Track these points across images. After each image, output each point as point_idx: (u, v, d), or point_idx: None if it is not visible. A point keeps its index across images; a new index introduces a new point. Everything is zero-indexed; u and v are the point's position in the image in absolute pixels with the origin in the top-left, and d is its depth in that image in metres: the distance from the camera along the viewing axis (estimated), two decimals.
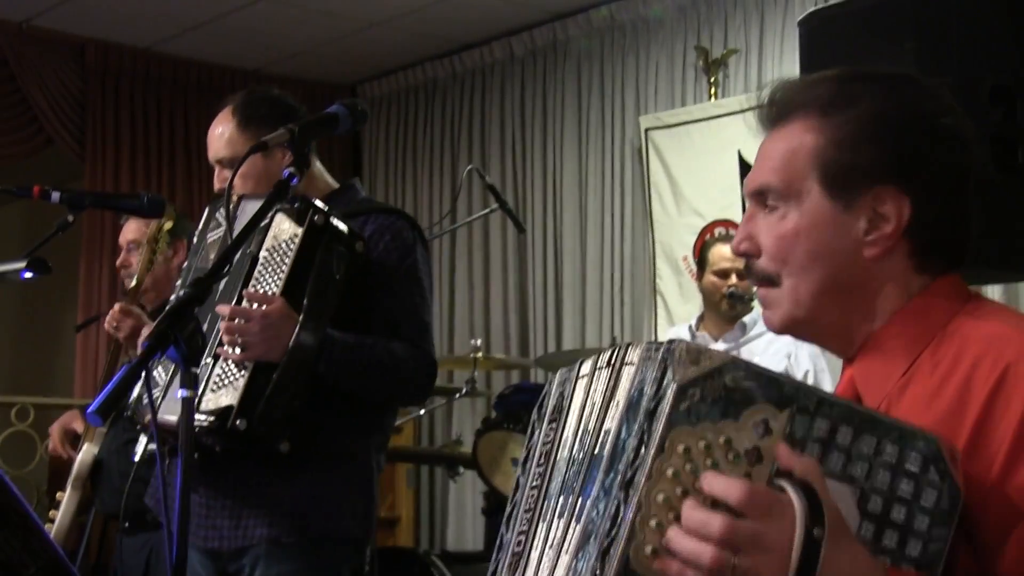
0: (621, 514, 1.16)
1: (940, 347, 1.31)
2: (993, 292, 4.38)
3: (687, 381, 1.15)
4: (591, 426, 1.29)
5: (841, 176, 1.35)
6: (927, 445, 1.17)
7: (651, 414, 1.17)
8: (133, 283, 3.46)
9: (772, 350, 4.54)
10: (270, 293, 2.52)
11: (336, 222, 2.56)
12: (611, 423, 1.25)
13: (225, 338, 2.48)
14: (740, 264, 4.53)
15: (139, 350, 2.29)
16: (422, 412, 5.41)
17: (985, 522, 1.20)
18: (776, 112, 1.41)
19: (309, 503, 2.60)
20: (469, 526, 6.67)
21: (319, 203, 2.57)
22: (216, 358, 2.53)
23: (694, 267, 5.78)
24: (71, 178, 7.05)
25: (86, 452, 3.53)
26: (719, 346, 4.62)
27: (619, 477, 1.18)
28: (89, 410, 1.60)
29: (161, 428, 2.54)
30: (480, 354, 5.05)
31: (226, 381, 2.49)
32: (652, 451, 1.15)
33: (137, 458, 2.82)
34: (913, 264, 1.36)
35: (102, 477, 3.51)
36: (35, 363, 8.50)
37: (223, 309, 2.49)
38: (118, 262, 3.79)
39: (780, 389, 1.16)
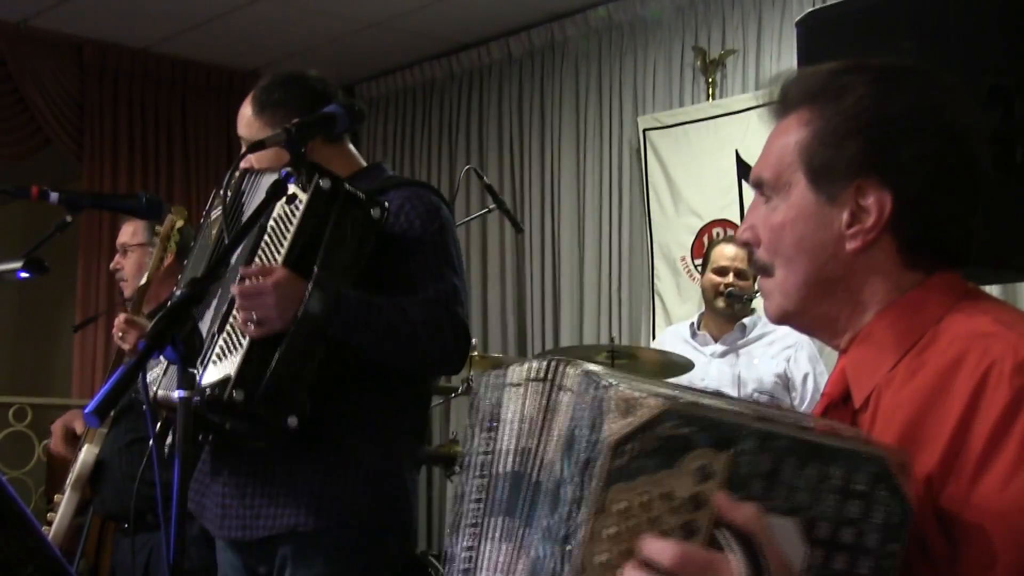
0: (563, 574, 1.14)
1: (929, 344, 1.30)
2: (991, 292, 4.37)
3: (621, 437, 1.11)
4: (529, 446, 1.26)
5: (824, 169, 1.35)
6: (875, 463, 1.15)
7: (586, 466, 1.13)
8: (143, 282, 3.38)
9: (771, 352, 4.52)
10: (274, 262, 2.43)
11: (349, 186, 2.45)
12: (551, 453, 1.21)
13: (241, 316, 2.38)
14: (739, 264, 4.55)
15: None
16: None
17: (960, 530, 1.18)
18: (778, 105, 1.42)
19: (329, 488, 2.47)
20: None
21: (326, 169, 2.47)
22: (221, 331, 2.42)
23: (692, 267, 5.78)
24: (69, 178, 7.05)
25: (87, 453, 3.46)
26: (718, 347, 4.61)
27: (561, 526, 1.15)
28: (86, 411, 1.59)
29: (163, 405, 2.49)
30: (476, 353, 5.03)
31: (227, 352, 2.40)
32: (590, 511, 1.12)
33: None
34: (902, 259, 1.35)
35: (104, 478, 3.48)
36: (33, 363, 8.49)
37: (236, 289, 2.39)
38: (111, 265, 3.79)
39: (718, 431, 1.12)
